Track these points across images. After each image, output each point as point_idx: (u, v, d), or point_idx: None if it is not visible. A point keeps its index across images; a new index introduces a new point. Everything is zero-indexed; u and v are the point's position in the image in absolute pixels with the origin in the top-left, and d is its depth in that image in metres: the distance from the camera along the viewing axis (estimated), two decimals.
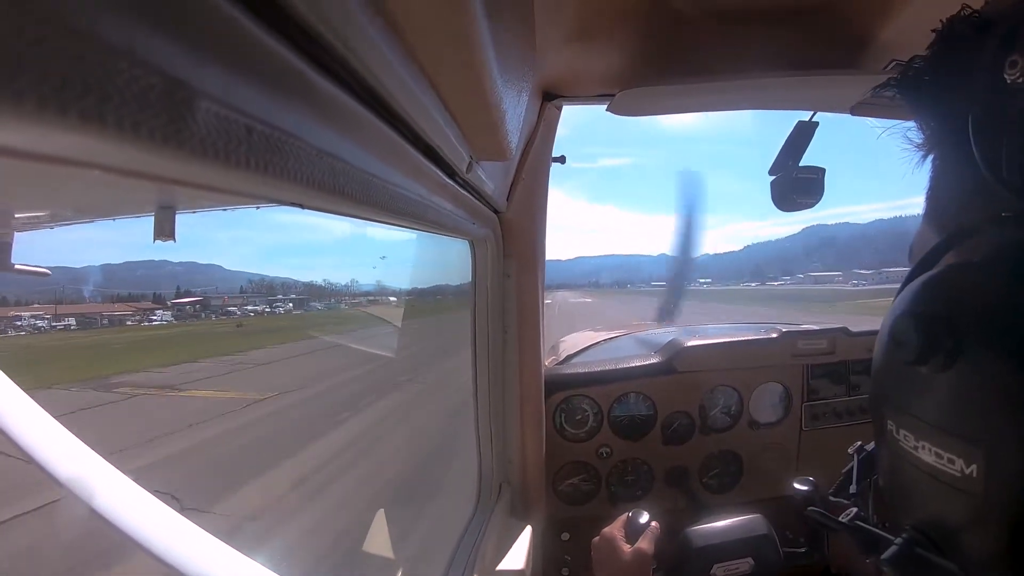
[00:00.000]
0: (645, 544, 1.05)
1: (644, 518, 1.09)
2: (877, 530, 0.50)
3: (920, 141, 0.46)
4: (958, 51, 0.41)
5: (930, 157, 0.46)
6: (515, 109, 0.58)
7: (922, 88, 0.44)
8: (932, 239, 0.45)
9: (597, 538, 1.11)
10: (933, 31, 0.43)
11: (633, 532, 1.08)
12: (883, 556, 0.43)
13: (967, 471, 0.36)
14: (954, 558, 0.39)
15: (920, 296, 0.41)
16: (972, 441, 0.36)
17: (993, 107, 0.37)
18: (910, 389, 0.41)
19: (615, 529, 1.10)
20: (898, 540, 0.43)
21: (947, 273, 0.41)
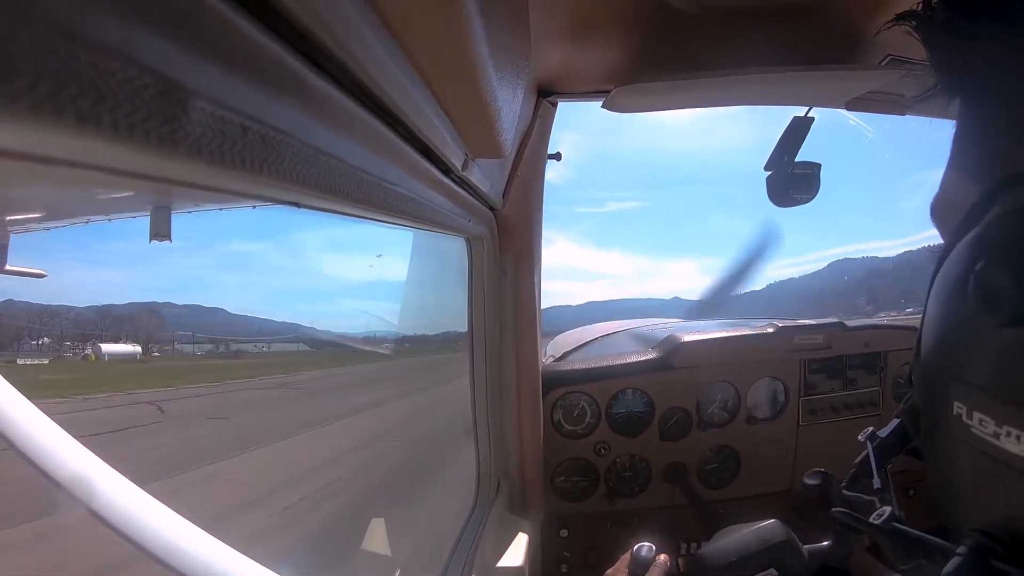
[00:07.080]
0: None
1: (649, 551, 0.98)
2: (922, 533, 0.43)
3: (942, 86, 0.40)
4: None
5: (955, 101, 0.40)
6: (510, 106, 0.58)
7: (947, 28, 0.38)
8: (966, 191, 0.38)
9: None
10: None
11: (639, 569, 0.97)
12: (946, 570, 0.35)
13: None
14: None
15: (993, 248, 0.34)
16: None
17: None
18: (990, 361, 0.33)
19: (618, 572, 0.98)
20: (961, 548, 0.34)
21: (1018, 217, 0.34)
